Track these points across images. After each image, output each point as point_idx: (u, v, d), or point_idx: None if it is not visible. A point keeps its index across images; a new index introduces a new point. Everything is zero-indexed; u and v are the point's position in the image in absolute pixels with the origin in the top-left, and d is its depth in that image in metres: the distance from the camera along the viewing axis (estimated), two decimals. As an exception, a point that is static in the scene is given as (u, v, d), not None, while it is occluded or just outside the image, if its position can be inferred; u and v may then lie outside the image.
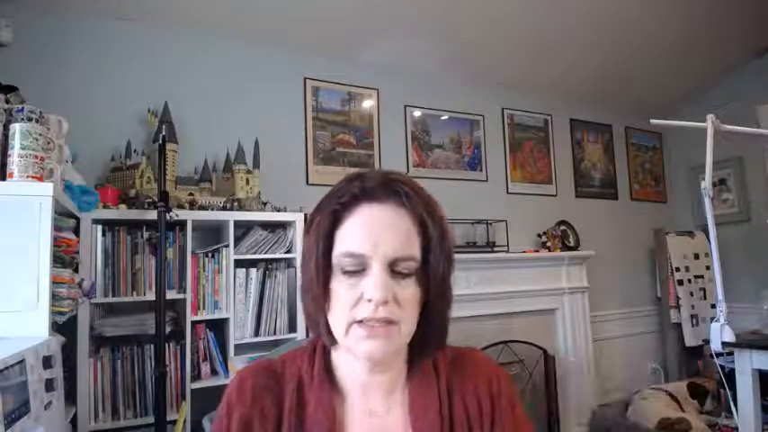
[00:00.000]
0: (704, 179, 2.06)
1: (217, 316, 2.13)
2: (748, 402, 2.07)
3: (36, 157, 1.31)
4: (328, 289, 0.62)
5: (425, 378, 0.68)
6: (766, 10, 3.10)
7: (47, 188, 1.31)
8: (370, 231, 0.60)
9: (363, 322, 0.59)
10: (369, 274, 0.60)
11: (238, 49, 2.61)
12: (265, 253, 2.24)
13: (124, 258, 1.98)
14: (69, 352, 1.74)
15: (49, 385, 1.17)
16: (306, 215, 2.32)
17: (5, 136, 1.33)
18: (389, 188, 0.62)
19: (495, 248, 3.11)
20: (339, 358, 0.68)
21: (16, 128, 1.30)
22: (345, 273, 0.61)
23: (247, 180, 2.31)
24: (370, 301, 0.59)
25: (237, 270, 2.17)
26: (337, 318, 0.62)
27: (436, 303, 0.64)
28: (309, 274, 0.63)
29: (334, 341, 0.64)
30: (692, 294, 3.73)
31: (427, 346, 0.67)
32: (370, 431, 0.65)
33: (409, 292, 0.61)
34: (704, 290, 3.77)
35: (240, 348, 2.13)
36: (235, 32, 2.57)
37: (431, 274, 0.63)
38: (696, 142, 2.39)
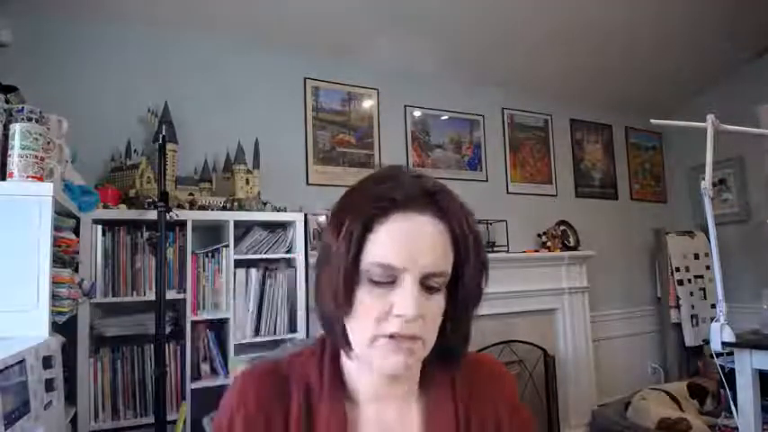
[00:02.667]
0: (704, 179, 2.06)
1: (217, 316, 2.13)
2: (748, 402, 2.07)
3: (36, 157, 1.31)
4: (352, 296, 0.59)
5: (441, 388, 0.66)
6: (766, 10, 3.10)
7: (47, 188, 1.31)
8: (407, 244, 0.57)
9: (391, 337, 0.57)
10: (400, 286, 0.57)
11: (238, 49, 2.61)
12: (265, 253, 2.24)
13: (124, 258, 1.98)
14: (69, 352, 1.74)
15: (49, 385, 1.17)
16: (306, 215, 2.32)
17: (5, 136, 1.33)
18: (428, 198, 0.59)
19: (495, 248, 3.11)
20: (351, 365, 0.65)
21: (16, 128, 1.30)
22: (374, 282, 0.57)
23: (247, 180, 2.31)
24: (399, 316, 0.56)
25: (237, 270, 2.17)
26: (361, 328, 0.59)
27: (468, 313, 0.63)
28: (335, 280, 0.59)
29: (350, 349, 0.62)
30: (691, 294, 3.73)
31: (452, 356, 0.65)
32: None
33: (436, 307, 0.59)
34: (704, 290, 3.77)
35: (240, 348, 2.13)
36: (235, 32, 2.57)
37: (466, 286, 0.61)
38: (696, 142, 2.38)
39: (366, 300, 0.58)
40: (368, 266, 0.57)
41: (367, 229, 0.58)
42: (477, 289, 0.63)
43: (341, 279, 0.58)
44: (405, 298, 0.56)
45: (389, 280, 0.57)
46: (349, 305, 0.58)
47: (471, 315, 0.65)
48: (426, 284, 0.58)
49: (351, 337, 0.60)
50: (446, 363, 0.65)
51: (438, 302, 0.59)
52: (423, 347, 0.59)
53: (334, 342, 0.64)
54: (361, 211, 0.58)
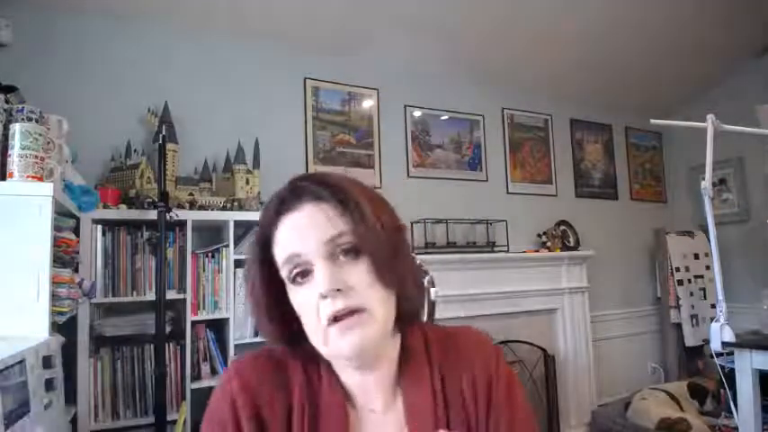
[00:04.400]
0: (704, 179, 2.06)
1: (217, 316, 2.13)
2: (748, 402, 2.07)
3: (36, 157, 1.31)
4: (291, 308, 0.63)
5: (418, 370, 0.67)
6: (766, 10, 3.10)
7: (47, 188, 1.31)
8: (297, 232, 0.61)
9: (334, 321, 0.58)
10: (314, 272, 0.60)
11: (238, 49, 2.61)
12: (265, 253, 2.23)
13: (124, 258, 1.98)
14: (69, 352, 1.74)
15: (49, 385, 1.17)
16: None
17: (5, 136, 1.33)
18: (296, 193, 0.63)
19: (495, 248, 3.11)
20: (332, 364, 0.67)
21: (16, 128, 1.30)
22: (296, 282, 0.61)
23: (247, 180, 2.31)
24: (324, 297, 0.58)
25: (237, 270, 2.17)
26: (312, 331, 0.61)
27: (394, 271, 0.62)
28: (255, 308, 0.65)
29: (318, 353, 0.64)
30: (691, 294, 3.73)
31: (403, 316, 0.65)
32: (372, 428, 0.65)
33: (357, 273, 0.60)
34: (704, 290, 3.77)
35: (240, 348, 2.13)
36: (235, 32, 2.57)
37: (369, 247, 0.61)
38: (696, 142, 2.39)
39: (301, 302, 0.62)
40: (283, 272, 0.62)
41: (267, 246, 0.64)
42: (390, 247, 0.62)
43: (263, 299, 0.64)
44: (317, 276, 0.59)
45: (304, 271, 0.61)
46: (286, 319, 0.63)
47: (403, 272, 0.64)
48: (337, 256, 0.60)
49: (314, 345, 0.62)
50: (402, 323, 0.66)
51: (359, 268, 0.60)
52: (372, 317, 0.59)
53: (301, 361, 0.67)
54: (257, 240, 0.65)
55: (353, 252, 0.60)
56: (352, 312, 0.58)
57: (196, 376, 2.06)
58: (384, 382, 0.66)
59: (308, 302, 0.60)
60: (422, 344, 0.69)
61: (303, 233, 0.61)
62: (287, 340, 0.65)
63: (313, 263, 0.60)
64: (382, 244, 0.61)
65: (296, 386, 0.64)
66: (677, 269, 3.72)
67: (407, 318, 0.67)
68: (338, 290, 0.58)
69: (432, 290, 1.08)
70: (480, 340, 0.72)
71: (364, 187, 0.66)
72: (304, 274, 0.61)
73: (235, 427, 0.61)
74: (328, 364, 0.66)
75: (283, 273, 0.62)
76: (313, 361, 0.66)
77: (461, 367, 0.68)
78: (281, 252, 0.62)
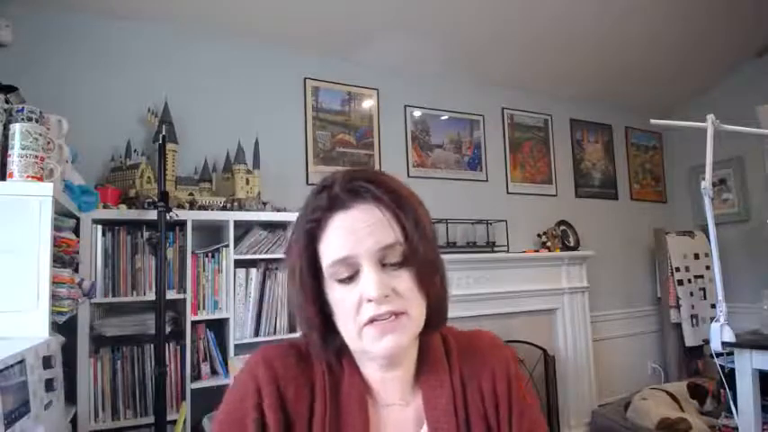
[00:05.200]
0: (704, 179, 2.06)
1: (217, 316, 2.13)
2: (748, 402, 2.07)
3: (36, 157, 1.31)
4: (328, 303, 0.63)
5: (437, 366, 0.68)
6: (766, 10, 3.10)
7: (47, 188, 1.31)
8: (349, 234, 0.61)
9: (372, 322, 0.60)
10: (362, 275, 0.60)
11: (238, 49, 2.61)
12: (265, 253, 2.24)
13: (124, 258, 1.98)
14: (69, 352, 1.74)
15: (49, 385, 1.17)
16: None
17: (5, 136, 1.33)
18: (353, 192, 0.63)
19: (495, 248, 3.11)
20: (356, 355, 0.68)
21: (16, 128, 1.30)
22: (341, 282, 0.61)
23: (247, 180, 2.31)
24: (370, 300, 0.59)
25: (237, 270, 2.17)
26: (346, 325, 0.62)
27: (431, 284, 0.64)
28: (299, 296, 0.64)
29: (338, 351, 0.66)
30: (691, 294, 3.73)
31: (430, 323, 0.67)
32: (391, 422, 0.66)
33: (405, 280, 0.61)
34: (704, 290, 3.77)
35: (240, 348, 2.13)
36: (235, 32, 2.57)
37: (418, 257, 0.62)
38: (696, 142, 2.39)
39: (341, 299, 0.62)
40: (328, 271, 0.62)
41: (313, 241, 0.63)
42: (430, 262, 0.64)
43: (302, 293, 0.63)
44: (367, 282, 0.59)
45: (352, 273, 0.61)
46: (321, 313, 0.63)
47: (438, 285, 0.66)
48: (386, 263, 0.61)
49: (345, 338, 0.63)
50: (427, 330, 0.67)
51: (405, 276, 0.61)
52: (410, 321, 0.61)
53: (320, 356, 0.67)
54: (302, 227, 0.64)
55: (402, 260, 0.62)
56: (391, 314, 0.60)
57: (196, 376, 2.06)
58: (403, 379, 0.68)
59: (349, 300, 0.61)
60: (440, 344, 0.71)
61: (358, 236, 0.60)
62: (323, 329, 0.65)
63: (361, 264, 0.60)
64: (429, 255, 0.64)
65: (318, 380, 0.65)
66: (677, 269, 3.72)
67: (437, 322, 0.68)
68: (386, 296, 0.59)
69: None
70: (496, 343, 0.74)
71: (414, 194, 0.67)
72: (349, 273, 0.61)
73: (257, 414, 0.62)
74: (350, 359, 0.67)
75: (328, 271, 0.62)
76: (336, 355, 0.67)
77: (480, 368, 0.70)
78: (330, 252, 0.61)
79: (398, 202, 0.63)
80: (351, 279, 0.61)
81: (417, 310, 0.62)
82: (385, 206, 0.62)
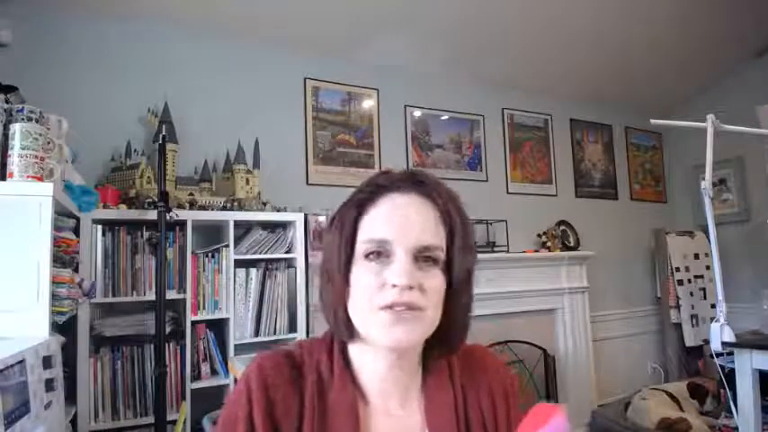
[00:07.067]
0: (704, 179, 2.06)
1: (217, 316, 2.13)
2: (748, 402, 2.07)
3: (36, 157, 1.31)
4: (349, 278, 0.62)
5: (440, 377, 0.68)
6: (766, 10, 3.10)
7: (47, 188, 1.31)
8: (395, 218, 0.61)
9: (389, 308, 0.58)
10: (393, 260, 0.59)
11: (238, 48, 2.61)
12: (265, 253, 2.24)
13: (124, 258, 1.99)
14: (69, 352, 1.74)
15: (49, 385, 1.17)
16: (306, 215, 2.32)
17: (5, 136, 1.33)
18: (414, 180, 0.63)
19: (495, 248, 3.11)
20: (357, 353, 0.67)
21: (16, 128, 1.30)
22: (369, 259, 0.60)
23: (247, 180, 2.31)
24: (394, 286, 0.58)
25: (237, 270, 2.17)
26: (359, 305, 0.61)
27: (461, 297, 0.64)
28: (332, 262, 0.63)
29: (352, 334, 0.63)
30: (691, 294, 3.73)
31: (450, 342, 0.66)
32: (389, 430, 0.65)
33: (435, 281, 0.61)
34: (704, 290, 3.77)
35: (240, 348, 2.13)
36: (235, 32, 2.57)
37: (455, 266, 0.63)
38: (696, 142, 2.39)
39: (363, 277, 0.61)
40: (361, 245, 0.61)
41: (360, 213, 0.63)
42: (467, 273, 0.65)
43: (337, 260, 0.62)
44: (398, 268, 0.59)
45: (384, 255, 0.60)
46: (346, 287, 0.62)
47: (466, 301, 0.67)
48: (420, 258, 0.60)
49: (354, 320, 0.62)
50: (443, 348, 0.67)
51: (437, 278, 0.61)
52: (426, 320, 0.60)
53: (338, 332, 0.65)
54: (352, 200, 0.64)
55: (436, 263, 0.62)
56: (410, 307, 0.59)
57: (196, 376, 2.06)
58: (405, 384, 0.67)
59: (370, 279, 0.60)
60: (444, 359, 0.70)
61: (403, 224, 0.60)
62: (346, 305, 0.63)
63: (395, 250, 0.60)
64: (462, 274, 0.64)
65: (308, 389, 0.64)
66: (677, 269, 3.72)
67: (448, 347, 0.67)
68: (411, 287, 0.58)
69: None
70: (494, 359, 0.76)
71: (463, 208, 0.67)
72: (380, 254, 0.60)
73: (247, 421, 0.61)
74: (345, 363, 0.66)
75: (362, 246, 0.61)
76: (330, 358, 0.66)
77: (480, 381, 0.70)
78: (372, 228, 0.61)
79: (453, 202, 0.63)
80: (380, 260, 0.60)
81: (434, 313, 0.61)
82: (439, 208, 0.62)
